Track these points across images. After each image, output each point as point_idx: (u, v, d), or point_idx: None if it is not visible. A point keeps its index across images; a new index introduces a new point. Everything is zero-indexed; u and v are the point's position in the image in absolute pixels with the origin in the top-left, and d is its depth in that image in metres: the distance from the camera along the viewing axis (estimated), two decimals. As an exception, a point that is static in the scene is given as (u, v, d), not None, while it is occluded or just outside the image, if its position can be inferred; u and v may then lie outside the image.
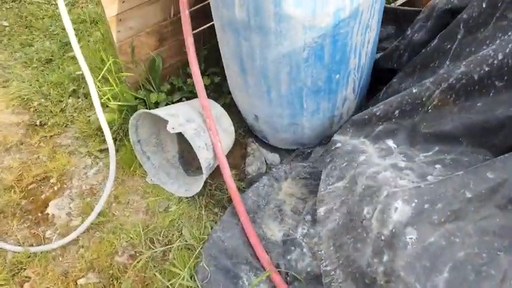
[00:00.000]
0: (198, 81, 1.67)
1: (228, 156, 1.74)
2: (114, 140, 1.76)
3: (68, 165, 1.95)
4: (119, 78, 1.89)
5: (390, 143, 1.45)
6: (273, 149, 1.93)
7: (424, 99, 1.37)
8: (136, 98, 1.95)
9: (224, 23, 1.48)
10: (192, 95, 2.04)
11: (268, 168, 1.88)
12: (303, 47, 1.39)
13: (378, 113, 1.49)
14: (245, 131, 2.03)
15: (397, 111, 1.45)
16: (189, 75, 2.04)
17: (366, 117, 1.53)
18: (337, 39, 1.39)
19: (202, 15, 1.87)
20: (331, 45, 1.40)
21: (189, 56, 1.64)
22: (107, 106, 1.92)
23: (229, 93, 1.97)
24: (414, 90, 1.39)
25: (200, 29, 1.94)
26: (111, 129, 1.74)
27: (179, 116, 1.66)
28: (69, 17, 1.50)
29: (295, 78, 1.50)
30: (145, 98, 1.94)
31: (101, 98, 1.72)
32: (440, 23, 1.49)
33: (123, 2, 1.62)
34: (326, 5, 1.28)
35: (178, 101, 2.02)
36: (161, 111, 1.67)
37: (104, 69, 1.80)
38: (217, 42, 1.72)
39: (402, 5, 2.28)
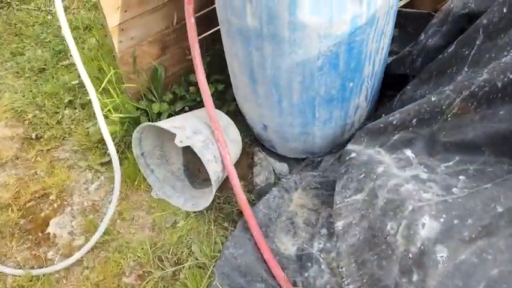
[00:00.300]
0: (205, 91, 1.60)
1: (234, 166, 1.67)
2: (116, 152, 1.68)
3: (67, 181, 1.87)
4: (119, 89, 1.81)
5: (408, 152, 1.41)
6: (281, 158, 1.87)
7: (443, 107, 1.33)
8: (137, 108, 1.88)
9: (233, 32, 1.42)
10: (195, 103, 1.97)
11: (277, 178, 1.82)
12: (317, 56, 1.34)
13: (394, 122, 1.44)
14: (251, 139, 1.96)
15: (414, 120, 1.40)
16: (192, 84, 1.98)
17: (382, 125, 1.48)
18: (353, 46, 1.34)
19: (204, 22, 1.80)
20: (347, 53, 1.35)
21: (195, 67, 1.57)
22: (107, 117, 1.84)
23: (234, 100, 1.91)
24: (433, 99, 1.35)
25: (203, 35, 1.87)
26: (112, 141, 1.66)
27: (186, 128, 1.59)
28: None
29: (308, 87, 1.45)
30: (147, 109, 1.87)
31: (102, 110, 1.64)
32: (456, 28, 1.45)
33: (125, 11, 1.54)
34: (343, 12, 1.23)
35: (181, 110, 1.94)
36: (166, 124, 1.60)
37: (105, 80, 1.72)
38: (220, 48, 1.65)
39: (403, 6, 2.25)
